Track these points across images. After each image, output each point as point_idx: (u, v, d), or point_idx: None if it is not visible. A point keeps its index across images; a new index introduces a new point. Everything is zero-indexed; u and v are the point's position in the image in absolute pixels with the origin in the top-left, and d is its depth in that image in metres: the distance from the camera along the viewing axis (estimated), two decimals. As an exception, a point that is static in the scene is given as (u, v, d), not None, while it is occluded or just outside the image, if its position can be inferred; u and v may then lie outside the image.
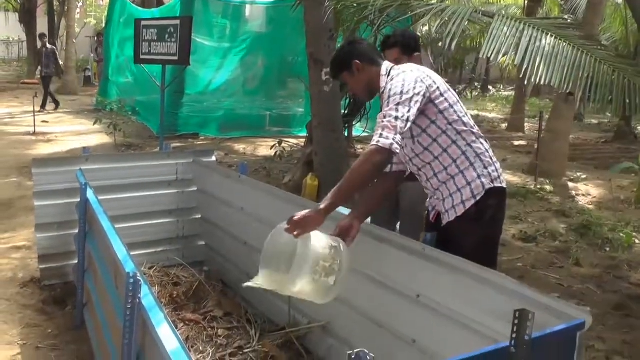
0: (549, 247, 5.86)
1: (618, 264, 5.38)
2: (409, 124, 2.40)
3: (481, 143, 2.62)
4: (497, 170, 2.62)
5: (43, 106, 14.03)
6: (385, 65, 2.70)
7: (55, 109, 14.48)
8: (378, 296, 2.69)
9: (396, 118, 2.36)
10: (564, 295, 4.42)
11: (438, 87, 2.56)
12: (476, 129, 2.64)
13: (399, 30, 3.81)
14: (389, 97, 2.45)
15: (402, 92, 2.42)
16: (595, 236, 6.09)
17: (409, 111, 2.39)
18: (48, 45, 15.30)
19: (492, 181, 2.58)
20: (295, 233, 2.27)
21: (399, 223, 3.75)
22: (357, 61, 2.68)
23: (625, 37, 12.22)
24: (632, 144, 12.83)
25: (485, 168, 2.58)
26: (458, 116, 2.58)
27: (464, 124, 2.59)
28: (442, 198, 2.64)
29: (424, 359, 2.36)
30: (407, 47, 3.37)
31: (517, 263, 5.37)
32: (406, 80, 2.48)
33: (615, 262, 5.42)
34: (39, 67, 15.14)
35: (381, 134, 2.34)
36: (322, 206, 2.36)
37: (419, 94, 2.45)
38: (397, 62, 3.21)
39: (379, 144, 2.33)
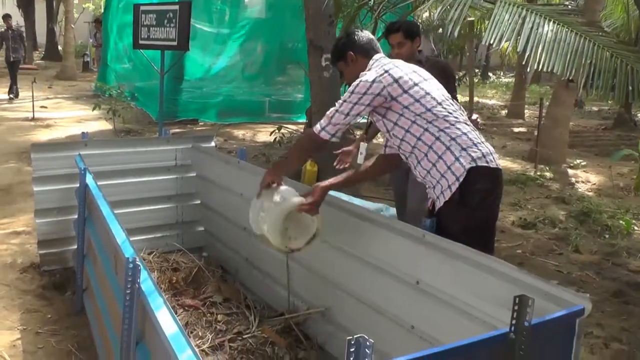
0: (548, 233, 5.87)
1: (617, 251, 5.39)
2: (349, 118, 2.66)
3: (457, 128, 2.62)
4: (480, 150, 2.60)
5: (11, 92, 13.23)
6: (373, 60, 2.81)
7: (11, 99, 13.40)
8: (377, 282, 2.69)
9: (336, 111, 2.68)
10: (563, 282, 4.42)
11: (400, 85, 2.63)
12: (452, 117, 2.63)
13: (402, 18, 4.04)
14: (346, 92, 2.69)
15: (352, 92, 2.66)
16: (595, 223, 6.10)
17: (351, 108, 2.65)
18: (14, 27, 14.02)
19: (473, 160, 2.57)
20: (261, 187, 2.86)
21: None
22: (351, 53, 2.85)
23: (627, 23, 12.14)
24: (632, 131, 12.81)
25: (464, 149, 2.58)
26: (426, 108, 2.62)
27: (434, 115, 2.61)
28: (432, 186, 2.68)
29: (423, 345, 2.36)
30: (409, 32, 3.74)
31: (517, 250, 5.38)
32: (363, 79, 2.66)
33: (614, 249, 5.43)
34: (6, 52, 13.61)
35: (319, 122, 2.74)
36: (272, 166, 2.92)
37: (371, 93, 2.63)
38: (400, 45, 3.73)
39: (312, 129, 2.77)
